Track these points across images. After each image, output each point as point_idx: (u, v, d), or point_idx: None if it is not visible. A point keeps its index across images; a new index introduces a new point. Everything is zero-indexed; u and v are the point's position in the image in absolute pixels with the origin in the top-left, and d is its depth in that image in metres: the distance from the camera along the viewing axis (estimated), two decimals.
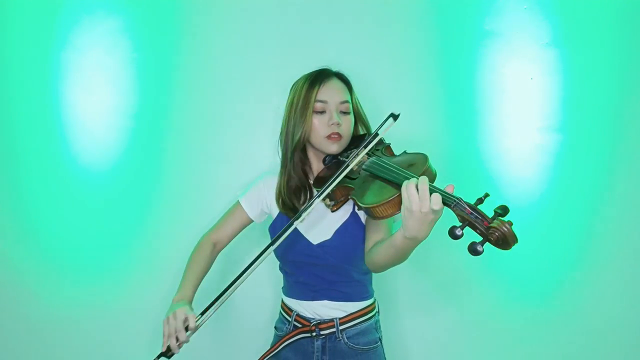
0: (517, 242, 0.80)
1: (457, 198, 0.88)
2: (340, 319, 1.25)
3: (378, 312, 1.35)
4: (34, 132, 1.79)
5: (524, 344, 1.75)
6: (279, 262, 1.35)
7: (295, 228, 1.17)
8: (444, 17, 1.73)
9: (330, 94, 1.23)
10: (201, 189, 1.79)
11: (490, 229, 0.81)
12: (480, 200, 0.88)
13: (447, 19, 1.74)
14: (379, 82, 1.70)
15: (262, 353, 1.29)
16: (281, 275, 1.38)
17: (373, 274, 1.34)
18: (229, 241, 1.40)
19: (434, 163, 1.06)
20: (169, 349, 1.11)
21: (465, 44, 1.74)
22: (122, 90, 1.78)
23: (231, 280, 1.14)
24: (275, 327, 1.37)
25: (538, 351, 1.75)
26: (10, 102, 1.78)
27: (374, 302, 1.33)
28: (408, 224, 0.92)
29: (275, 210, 1.32)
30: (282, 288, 1.38)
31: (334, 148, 1.23)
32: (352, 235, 1.22)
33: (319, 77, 1.25)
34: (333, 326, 1.24)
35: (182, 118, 1.78)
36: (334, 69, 1.33)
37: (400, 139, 1.76)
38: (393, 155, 1.25)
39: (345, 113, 1.25)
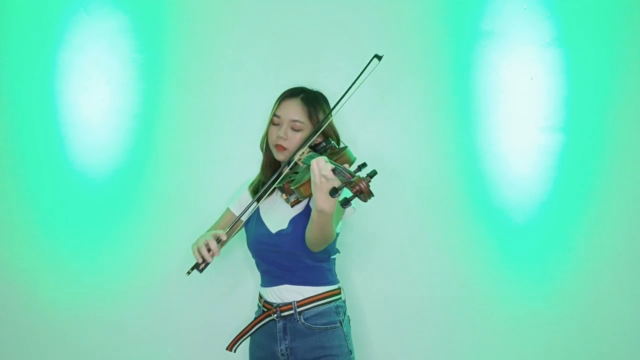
0: (372, 196, 1.01)
1: (341, 167, 1.08)
2: (298, 301, 1.40)
3: (343, 300, 1.47)
4: (34, 131, 1.79)
5: (523, 343, 1.74)
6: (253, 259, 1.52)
7: (260, 218, 1.45)
8: (444, 17, 1.74)
9: (285, 111, 1.42)
10: (201, 189, 1.79)
11: (352, 184, 1.02)
12: (359, 168, 1.06)
13: (447, 19, 1.74)
14: (378, 82, 1.70)
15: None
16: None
17: (334, 264, 1.49)
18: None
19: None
20: (202, 260, 1.24)
21: (465, 44, 1.74)
22: (121, 90, 1.78)
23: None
24: (255, 317, 1.51)
25: (537, 351, 1.74)
26: (10, 101, 1.79)
27: (336, 289, 1.45)
28: (315, 195, 1.10)
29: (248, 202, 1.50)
30: (260, 283, 1.53)
31: (280, 157, 1.43)
32: (303, 224, 1.35)
33: (283, 95, 1.46)
34: (291, 308, 1.39)
35: (181, 118, 1.78)
36: (320, 85, 1.50)
37: (401, 138, 1.77)
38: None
39: (296, 130, 1.41)
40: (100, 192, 1.80)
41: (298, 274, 1.41)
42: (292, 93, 1.46)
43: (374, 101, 1.74)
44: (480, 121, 1.74)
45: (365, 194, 1.02)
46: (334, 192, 1.05)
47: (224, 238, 1.28)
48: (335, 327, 1.40)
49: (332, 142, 1.44)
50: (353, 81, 1.33)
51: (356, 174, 1.05)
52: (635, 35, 1.69)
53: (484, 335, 1.75)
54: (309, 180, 1.17)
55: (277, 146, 1.42)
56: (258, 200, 1.40)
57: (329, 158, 1.23)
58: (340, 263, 1.56)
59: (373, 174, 1.05)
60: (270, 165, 1.51)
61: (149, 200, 1.79)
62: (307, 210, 1.39)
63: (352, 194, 1.03)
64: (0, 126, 1.80)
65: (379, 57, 1.36)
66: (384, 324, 1.76)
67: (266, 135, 1.48)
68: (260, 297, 1.49)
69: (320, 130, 1.36)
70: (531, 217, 1.74)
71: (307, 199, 1.37)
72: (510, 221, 1.74)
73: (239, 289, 1.80)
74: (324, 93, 1.50)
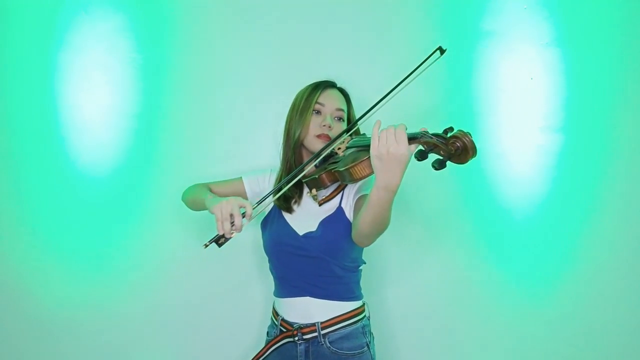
0: (476, 153, 0.91)
1: (424, 131, 0.96)
2: (321, 322, 1.25)
3: (368, 317, 1.34)
4: (34, 132, 1.78)
5: (523, 344, 1.75)
6: (268, 263, 1.39)
7: (282, 217, 1.31)
8: (444, 17, 1.74)
9: (328, 99, 1.35)
10: None
11: (451, 140, 0.91)
12: (445, 132, 0.97)
13: (447, 19, 1.74)
14: (378, 82, 1.69)
15: (250, 357, 1.31)
16: (272, 281, 1.41)
17: (360, 276, 1.36)
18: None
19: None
20: (221, 236, 1.08)
21: (465, 44, 1.74)
22: (121, 90, 1.78)
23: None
24: (267, 332, 1.39)
25: (538, 351, 1.74)
26: (10, 102, 1.78)
27: (361, 307, 1.32)
28: (378, 170, 0.98)
29: (269, 206, 1.38)
30: (273, 291, 1.39)
31: (319, 147, 1.30)
32: (335, 227, 1.25)
33: (321, 84, 1.38)
34: (315, 330, 1.25)
35: (181, 118, 1.78)
36: (339, 81, 1.44)
37: None
38: None
39: (339, 119, 1.35)
40: (101, 192, 1.79)
41: (323, 285, 1.26)
42: (329, 84, 1.39)
43: (372, 101, 1.74)
44: (480, 121, 1.75)
45: (469, 150, 0.90)
46: (422, 154, 0.93)
47: (250, 211, 1.09)
48: (362, 352, 1.26)
49: (368, 135, 1.29)
50: (411, 70, 1.23)
51: (445, 132, 0.93)
52: (635, 35, 1.69)
53: (484, 335, 1.76)
54: (368, 158, 1.03)
55: (320, 136, 1.30)
56: (284, 185, 1.20)
57: (364, 136, 1.15)
58: None
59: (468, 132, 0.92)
60: (296, 165, 1.35)
61: (149, 200, 1.79)
62: (339, 213, 1.27)
63: (441, 156, 0.92)
64: (0, 126, 1.79)
65: (442, 51, 1.24)
66: (383, 325, 1.76)
67: (304, 128, 1.32)
68: (276, 312, 1.34)
69: (365, 119, 1.22)
70: (531, 216, 1.74)
71: (339, 198, 1.28)
72: (510, 220, 1.74)
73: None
74: None
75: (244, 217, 1.08)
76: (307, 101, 1.33)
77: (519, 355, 1.75)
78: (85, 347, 1.81)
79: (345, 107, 1.37)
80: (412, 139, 0.96)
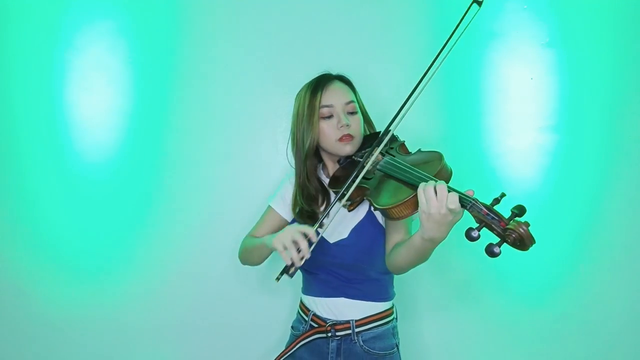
0: (534, 242, 0.82)
1: (474, 199, 0.88)
2: (356, 320, 1.23)
3: (396, 318, 1.32)
4: (35, 131, 1.79)
5: (522, 343, 1.75)
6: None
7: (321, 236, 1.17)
8: (444, 18, 1.73)
9: (334, 97, 1.23)
10: (201, 189, 1.79)
11: (507, 230, 0.82)
12: (496, 201, 0.88)
13: (447, 19, 1.74)
14: (378, 82, 1.70)
15: (277, 353, 1.30)
16: (300, 275, 1.38)
17: (394, 277, 1.34)
18: None
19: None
20: (291, 264, 1.03)
21: (465, 44, 1.74)
22: (122, 90, 1.78)
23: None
24: (292, 327, 1.36)
25: (537, 351, 1.74)
26: (11, 101, 1.78)
27: (392, 308, 1.31)
28: (426, 225, 0.93)
29: (290, 216, 1.33)
30: (302, 288, 1.37)
31: (347, 149, 1.22)
32: (367, 234, 1.22)
33: (320, 83, 1.25)
34: (349, 327, 1.23)
35: (182, 118, 1.78)
36: (334, 71, 1.34)
37: (401, 138, 1.76)
38: (408, 153, 1.23)
39: (353, 113, 1.25)
40: (100, 192, 1.79)
41: (358, 287, 1.24)
42: (328, 78, 1.27)
43: (372, 102, 1.74)
44: (480, 121, 1.74)
45: (527, 242, 0.82)
46: (470, 235, 0.84)
47: (314, 238, 1.04)
48: (392, 353, 1.25)
49: (400, 138, 1.25)
50: (453, 30, 1.17)
51: (512, 219, 0.83)
52: (635, 35, 1.69)
53: (484, 335, 1.76)
54: (409, 201, 0.96)
55: (343, 138, 1.20)
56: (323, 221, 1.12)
57: (399, 158, 1.04)
58: None
59: (522, 211, 0.84)
60: (314, 175, 1.28)
61: (149, 200, 1.79)
62: (370, 217, 1.23)
63: (499, 239, 0.83)
64: (0, 126, 1.79)
65: (479, 3, 1.15)
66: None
67: (314, 137, 1.23)
68: (306, 308, 1.31)
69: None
70: (531, 216, 1.73)
71: (368, 201, 1.16)
72: None
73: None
74: None
75: (308, 240, 1.04)
76: (310, 107, 1.23)
77: (519, 355, 1.75)
78: (86, 347, 1.81)
79: (353, 97, 1.25)
80: (462, 205, 0.89)
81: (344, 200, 1.12)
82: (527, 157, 1.73)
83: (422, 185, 0.93)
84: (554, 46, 1.71)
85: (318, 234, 1.10)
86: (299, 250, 1.03)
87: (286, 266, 1.04)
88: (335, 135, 1.22)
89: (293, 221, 1.31)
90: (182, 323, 1.79)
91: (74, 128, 1.79)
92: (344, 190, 1.10)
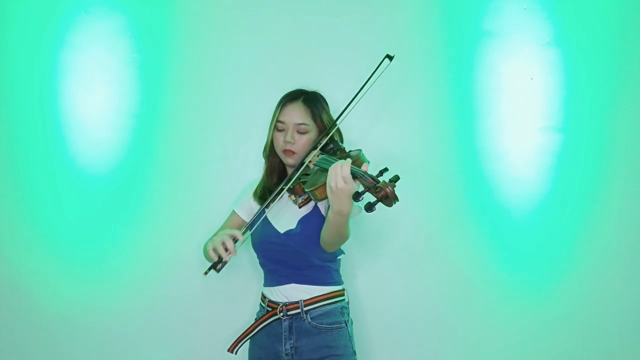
0: (397, 200, 1.04)
1: (363, 172, 1.11)
2: (304, 300, 1.39)
3: (347, 301, 1.47)
4: (34, 131, 1.79)
5: (522, 343, 1.75)
6: (258, 259, 1.52)
7: (267, 219, 1.43)
8: (444, 18, 1.74)
9: (288, 115, 1.42)
10: (201, 189, 1.79)
11: (377, 188, 1.05)
12: (380, 173, 1.09)
13: (447, 19, 1.74)
14: (377, 82, 1.70)
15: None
16: (262, 273, 1.52)
17: (339, 264, 1.50)
18: None
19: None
20: (219, 259, 1.22)
21: (465, 44, 1.74)
22: (122, 90, 1.78)
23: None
24: (256, 318, 1.50)
25: (536, 352, 1.74)
26: (10, 101, 1.79)
27: (341, 290, 1.46)
28: (331, 199, 1.15)
29: (256, 207, 1.51)
30: (263, 283, 1.52)
31: (289, 161, 1.44)
32: (312, 224, 1.39)
33: (283, 100, 1.46)
34: (298, 307, 1.39)
35: (181, 118, 1.78)
36: (314, 86, 1.50)
37: (400, 139, 1.77)
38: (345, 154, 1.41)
39: (303, 133, 1.42)
40: (101, 192, 1.79)
41: (305, 272, 1.41)
42: (293, 97, 1.46)
43: (373, 102, 1.74)
44: (480, 121, 1.75)
45: (391, 199, 1.03)
46: (357, 196, 1.06)
47: (240, 238, 1.26)
48: (340, 327, 1.40)
49: (341, 144, 1.43)
50: (365, 82, 1.35)
51: (380, 179, 1.07)
52: (635, 35, 1.69)
53: (484, 335, 1.76)
54: (325, 183, 1.18)
55: (285, 151, 1.42)
56: (267, 206, 1.40)
57: (340, 160, 1.23)
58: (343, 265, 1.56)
59: (396, 178, 1.06)
60: (275, 171, 1.53)
61: (149, 200, 1.79)
62: (316, 211, 1.43)
63: (375, 199, 1.05)
64: (0, 126, 1.79)
65: (390, 58, 1.37)
66: (385, 326, 1.76)
67: (270, 142, 1.48)
68: (264, 297, 1.48)
69: (332, 132, 1.37)
70: (531, 216, 1.74)
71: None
72: (510, 221, 1.74)
73: (241, 291, 1.79)
74: (323, 94, 1.50)
75: (235, 241, 1.24)
76: (272, 118, 1.46)
77: (519, 355, 1.75)
78: (85, 348, 1.81)
79: (308, 120, 1.42)
80: (354, 177, 1.12)
81: (292, 195, 1.36)
82: (527, 157, 1.73)
83: (333, 165, 1.14)
84: (554, 46, 1.71)
85: (263, 213, 1.39)
86: (226, 250, 1.22)
87: (213, 262, 1.23)
88: (281, 147, 1.43)
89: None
90: (180, 318, 1.81)
91: (74, 128, 1.79)
92: (288, 178, 1.37)
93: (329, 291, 1.42)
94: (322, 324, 1.38)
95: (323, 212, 1.42)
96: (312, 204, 1.42)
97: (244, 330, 1.45)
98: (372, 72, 1.35)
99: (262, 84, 1.76)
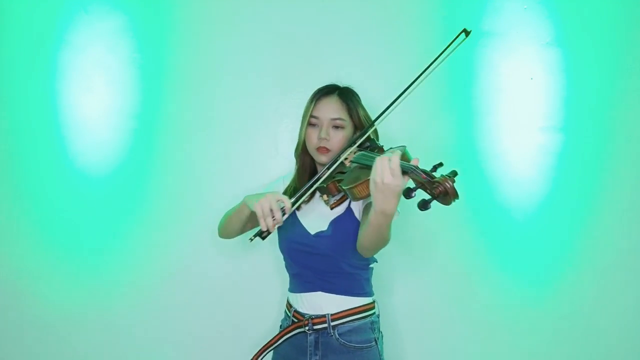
0: (457, 197, 0.92)
1: (414, 166, 0.99)
2: (332, 314, 1.29)
3: (377, 315, 1.37)
4: (34, 131, 1.78)
5: (523, 343, 1.75)
6: (284, 261, 1.42)
7: (296, 218, 1.34)
8: (444, 18, 1.73)
9: (323, 110, 1.33)
10: (201, 189, 1.79)
11: (435, 183, 0.93)
12: (434, 168, 0.98)
13: (448, 19, 1.74)
14: (377, 82, 1.70)
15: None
16: (287, 278, 1.44)
17: (371, 273, 1.39)
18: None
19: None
20: (265, 230, 1.14)
21: (465, 44, 1.74)
22: (121, 90, 1.78)
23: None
24: (280, 325, 1.44)
25: (537, 350, 1.74)
26: (10, 101, 1.78)
27: (371, 303, 1.36)
28: (375, 196, 1.01)
29: None
30: (288, 287, 1.43)
31: (322, 159, 1.33)
32: (344, 227, 1.29)
33: (317, 94, 1.36)
34: (325, 321, 1.29)
35: (181, 118, 1.78)
36: (342, 81, 1.41)
37: (400, 139, 1.76)
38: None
39: (338, 128, 1.33)
40: (101, 192, 1.79)
41: (333, 280, 1.31)
42: (327, 91, 1.36)
43: (372, 101, 1.74)
44: (480, 121, 1.74)
45: (450, 196, 0.92)
46: (408, 192, 0.96)
47: (288, 205, 1.15)
48: (370, 346, 1.30)
49: (378, 142, 1.34)
50: (438, 55, 1.27)
51: (435, 174, 0.96)
52: (635, 35, 1.69)
53: (485, 334, 1.76)
54: (367, 180, 1.06)
55: (319, 149, 1.32)
56: (298, 206, 1.28)
57: (369, 151, 1.14)
58: None
59: (454, 174, 0.94)
60: (307, 171, 1.42)
61: (149, 200, 1.79)
62: (349, 213, 1.32)
63: (430, 196, 0.94)
64: (0, 126, 1.79)
65: (467, 33, 1.27)
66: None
67: (302, 139, 1.37)
68: (290, 305, 1.39)
69: (372, 129, 1.27)
70: (531, 216, 1.74)
71: (348, 201, 1.31)
72: (511, 220, 1.74)
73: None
74: None
75: (282, 211, 1.14)
76: (305, 112, 1.36)
77: (519, 355, 1.75)
78: (85, 348, 1.81)
79: (344, 114, 1.33)
80: (404, 172, 1.00)
81: (324, 194, 1.25)
82: (527, 157, 1.73)
83: (378, 158, 1.01)
84: (554, 46, 1.71)
85: (292, 205, 1.21)
86: (274, 218, 1.13)
87: (261, 230, 1.15)
88: (315, 144, 1.33)
89: None
90: (177, 322, 1.80)
91: (74, 128, 1.79)
92: (321, 174, 1.25)
93: (358, 304, 1.31)
94: (350, 341, 1.28)
95: (357, 214, 1.32)
96: (344, 206, 1.33)
97: (267, 341, 1.35)
98: (448, 44, 1.27)
99: (263, 83, 1.76)
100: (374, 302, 1.37)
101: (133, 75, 1.78)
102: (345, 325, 1.29)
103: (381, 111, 1.27)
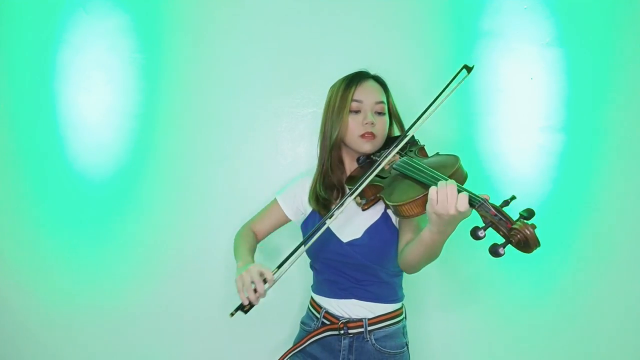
0: (539, 245, 0.80)
1: (483, 199, 0.88)
2: (369, 319, 1.24)
3: (405, 317, 1.34)
4: (34, 131, 1.79)
5: (522, 343, 1.75)
6: (309, 260, 1.37)
7: (327, 227, 1.19)
8: (445, 18, 1.73)
9: (365, 94, 1.25)
10: (201, 189, 1.79)
11: (513, 231, 0.81)
12: (506, 203, 0.87)
13: (448, 19, 1.74)
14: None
15: (287, 348, 1.31)
16: (311, 272, 1.39)
17: (403, 278, 1.35)
18: (267, 235, 1.41)
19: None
20: (248, 304, 1.07)
21: (465, 44, 1.74)
22: (121, 90, 1.78)
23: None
24: (303, 323, 1.36)
25: (537, 351, 1.74)
26: (10, 101, 1.78)
27: (401, 308, 1.32)
28: (434, 222, 0.94)
29: (308, 209, 1.34)
30: (312, 286, 1.38)
31: (367, 147, 1.24)
32: (381, 235, 1.22)
33: (355, 78, 1.28)
34: (362, 326, 1.24)
35: (181, 118, 1.78)
36: (372, 71, 1.35)
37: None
38: (426, 156, 1.24)
39: (380, 114, 1.27)
40: (100, 192, 1.79)
41: (369, 288, 1.25)
42: (364, 75, 1.29)
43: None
44: (480, 121, 1.74)
45: (531, 244, 0.80)
46: (476, 231, 0.83)
47: (270, 278, 1.07)
48: (402, 352, 1.27)
49: (420, 142, 1.26)
50: (440, 92, 1.20)
51: (519, 221, 0.82)
52: (635, 35, 1.69)
53: (484, 334, 1.76)
54: (420, 200, 0.97)
55: (365, 135, 1.22)
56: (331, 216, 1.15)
57: (416, 159, 1.05)
58: None
59: (531, 214, 0.82)
60: (337, 167, 1.29)
61: (149, 200, 1.79)
62: (385, 218, 1.24)
63: (504, 240, 0.82)
64: (0, 126, 1.79)
65: (469, 69, 1.19)
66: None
67: (336, 132, 1.24)
68: (317, 304, 1.32)
69: (411, 134, 1.17)
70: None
71: (382, 204, 1.20)
72: None
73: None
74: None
75: (265, 282, 1.07)
76: (342, 99, 1.24)
77: (519, 354, 1.75)
78: (84, 348, 1.81)
79: (384, 98, 1.27)
80: (471, 205, 0.90)
81: (356, 194, 1.13)
82: (527, 157, 1.73)
83: (433, 187, 0.93)
84: (554, 46, 1.71)
85: (323, 225, 1.12)
86: (255, 291, 1.06)
87: (242, 304, 1.07)
88: (359, 130, 1.23)
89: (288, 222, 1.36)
90: (189, 320, 1.80)
91: (74, 128, 1.79)
92: (359, 184, 1.12)
93: (392, 309, 1.27)
94: (385, 347, 1.24)
95: (394, 221, 1.25)
96: (379, 210, 1.24)
97: (292, 343, 1.32)
98: (449, 82, 1.18)
99: (263, 83, 1.76)
100: (403, 306, 1.33)
101: (133, 75, 1.78)
102: (381, 330, 1.24)
103: (426, 107, 1.19)
